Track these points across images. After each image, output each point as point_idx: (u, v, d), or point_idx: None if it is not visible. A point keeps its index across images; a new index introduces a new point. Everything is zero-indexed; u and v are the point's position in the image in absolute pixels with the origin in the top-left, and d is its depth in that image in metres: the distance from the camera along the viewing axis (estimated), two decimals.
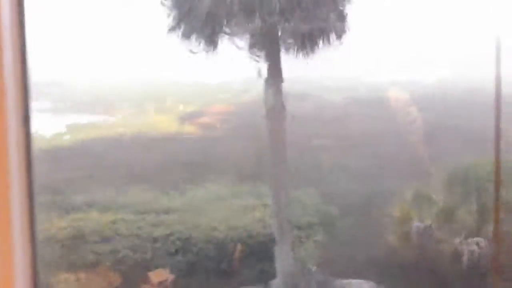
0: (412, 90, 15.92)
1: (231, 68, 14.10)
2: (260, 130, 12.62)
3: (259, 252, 12.14)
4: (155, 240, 12.14)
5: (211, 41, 11.85)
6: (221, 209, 13.08)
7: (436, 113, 14.82)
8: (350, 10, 12.05)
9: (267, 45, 11.80)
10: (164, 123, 15.46)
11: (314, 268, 12.20)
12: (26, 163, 1.92)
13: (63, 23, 12.40)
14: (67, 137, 14.54)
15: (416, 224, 12.39)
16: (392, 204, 13.08)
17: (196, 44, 11.83)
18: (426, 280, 11.58)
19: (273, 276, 11.84)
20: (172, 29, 11.80)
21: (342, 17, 11.98)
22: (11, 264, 1.85)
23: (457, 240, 11.98)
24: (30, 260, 1.97)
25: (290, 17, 11.33)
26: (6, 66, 1.76)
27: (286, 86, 12.08)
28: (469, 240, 11.83)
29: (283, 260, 11.91)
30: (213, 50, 11.90)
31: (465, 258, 11.71)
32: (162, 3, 11.50)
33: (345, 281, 11.89)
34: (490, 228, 11.61)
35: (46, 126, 13.87)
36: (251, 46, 11.85)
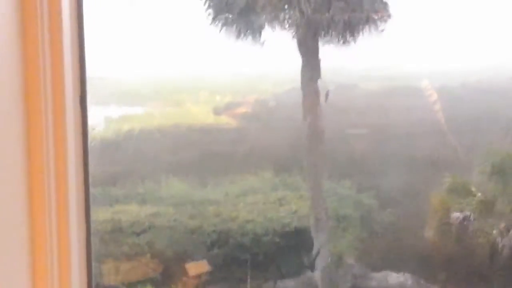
0: (451, 80, 15.75)
1: (269, 59, 14.06)
2: (297, 121, 12.58)
3: (296, 244, 12.13)
4: (191, 232, 12.20)
5: (250, 32, 11.86)
6: (258, 201, 13.08)
7: (475, 102, 14.64)
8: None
9: (306, 36, 11.75)
10: (200, 114, 15.49)
11: (351, 261, 12.15)
12: (83, 156, 1.93)
13: (99, 16, 12.46)
14: (105, 129, 14.65)
15: (455, 214, 12.26)
16: (430, 195, 12.96)
17: (234, 35, 11.85)
18: (464, 272, 11.47)
19: (310, 268, 11.83)
20: (211, 20, 11.83)
21: (381, 6, 11.89)
22: (69, 254, 1.86)
23: (496, 232, 11.84)
24: (85, 250, 1.99)
25: (328, 6, 11.28)
26: (66, 62, 1.77)
27: (323, 76, 12.03)
28: (510, 232, 11.69)
29: (320, 252, 11.89)
30: (251, 40, 11.90)
31: (504, 250, 11.58)
32: None
33: (382, 273, 11.83)
34: None
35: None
36: (291, 37, 11.83)
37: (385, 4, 11.89)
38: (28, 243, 1.79)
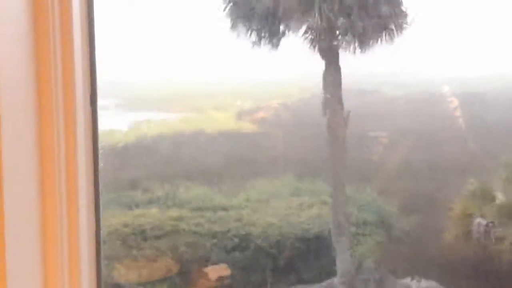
0: (472, 86, 15.65)
1: (289, 64, 14.08)
2: (318, 126, 12.57)
3: (317, 249, 12.12)
4: (213, 236, 12.23)
5: (270, 37, 11.88)
6: (279, 206, 13.08)
7: (496, 109, 14.54)
8: (409, 6, 11.93)
9: (326, 41, 11.76)
10: (222, 120, 15.53)
11: (372, 266, 12.10)
12: (93, 160, 1.95)
13: (122, 21, 12.57)
14: (127, 134, 14.74)
15: (477, 220, 12.17)
16: (452, 201, 12.88)
17: (254, 41, 11.89)
18: (486, 278, 11.37)
19: (332, 273, 11.80)
20: (232, 26, 11.87)
21: (401, 13, 11.87)
22: (78, 255, 1.88)
23: None
24: (94, 252, 2.01)
25: (349, 12, 11.28)
26: (77, 64, 1.80)
27: (344, 81, 12.02)
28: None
29: (341, 257, 11.86)
30: (272, 46, 11.94)
31: None
32: None
33: (403, 280, 11.76)
34: None
35: (107, 123, 14.09)
36: (311, 42, 11.84)
37: (405, 10, 11.86)
38: (40, 242, 1.81)
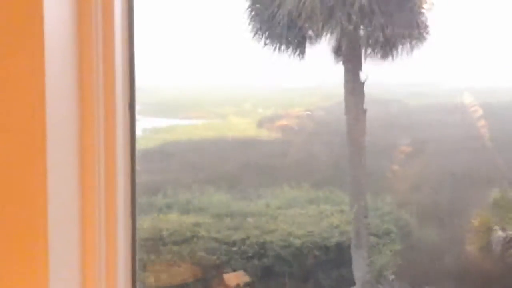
0: (492, 97, 15.59)
1: (311, 72, 14.09)
2: (339, 135, 12.56)
3: (336, 258, 12.08)
4: (232, 243, 12.23)
5: (292, 46, 11.92)
6: (298, 214, 13.07)
7: None
8: (431, 15, 11.92)
9: (348, 50, 11.77)
10: (243, 126, 15.57)
11: (391, 277, 12.05)
12: (131, 164, 1.98)
13: (146, 27, 12.66)
14: (148, 140, 14.82)
15: (498, 233, 12.09)
16: (471, 213, 12.80)
17: (277, 49, 11.93)
18: None
19: (350, 283, 11.76)
20: (255, 34, 11.93)
21: (423, 22, 11.87)
22: (115, 261, 1.91)
23: None
24: (131, 256, 2.04)
25: (371, 21, 11.29)
26: (117, 71, 1.83)
27: (366, 91, 12.01)
28: None
29: (360, 267, 11.83)
30: (294, 54, 11.97)
31: None
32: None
33: None
34: None
35: None
36: (333, 51, 11.86)
37: (426, 20, 11.86)
38: (79, 244, 1.84)
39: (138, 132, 14.70)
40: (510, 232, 11.97)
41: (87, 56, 1.80)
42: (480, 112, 15.15)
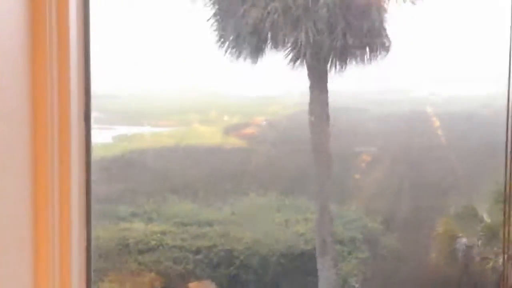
0: (455, 105, 15.79)
1: (276, 80, 14.15)
2: (304, 143, 12.62)
3: (302, 266, 12.13)
4: (197, 252, 12.22)
5: (257, 54, 11.97)
6: (264, 223, 13.09)
7: (482, 128, 14.65)
8: (394, 24, 12.06)
9: (313, 58, 11.85)
10: (208, 134, 15.56)
11: (356, 285, 12.12)
12: (86, 174, 1.97)
13: (108, 34, 12.60)
14: (113, 147, 14.73)
15: (461, 240, 12.23)
16: (436, 220, 12.93)
17: (242, 56, 11.97)
18: None
19: None
20: (219, 41, 11.96)
21: (387, 30, 12.01)
22: (69, 269, 1.90)
23: (501, 259, 11.77)
24: (85, 265, 2.02)
25: (335, 30, 11.38)
26: (72, 76, 1.82)
27: (330, 99, 12.10)
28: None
29: (325, 275, 11.88)
30: (259, 62, 12.02)
31: (510, 279, 11.49)
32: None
33: None
34: None
35: (94, 137, 14.06)
36: (297, 59, 11.93)
37: (389, 28, 12.01)
38: (31, 252, 1.83)
39: (106, 139, 14.64)
40: (474, 240, 12.13)
41: (41, 69, 1.79)
42: (443, 120, 15.33)
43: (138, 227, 12.65)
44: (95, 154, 14.08)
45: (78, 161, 1.91)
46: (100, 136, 14.41)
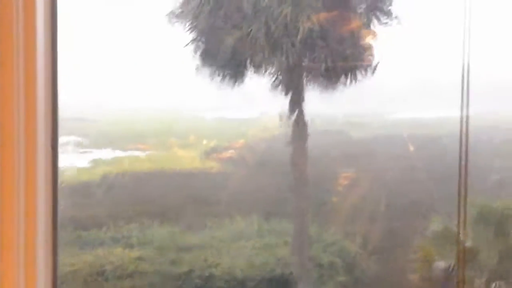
0: (437, 128, 15.90)
1: (255, 103, 14.19)
2: (283, 166, 12.64)
3: None
4: (176, 277, 12.15)
5: (236, 77, 12.01)
6: (243, 247, 13.06)
7: (462, 151, 14.73)
8: (375, 47, 12.17)
9: (292, 81, 11.92)
10: (187, 159, 15.53)
11: None
12: (53, 198, 1.96)
13: (86, 58, 12.60)
14: (91, 172, 14.65)
15: (437, 263, 12.27)
16: (415, 243, 12.97)
17: (221, 80, 12.01)
18: None
19: None
20: (198, 63, 11.99)
21: (366, 53, 12.11)
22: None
23: (478, 282, 11.82)
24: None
25: (314, 53, 11.47)
26: (39, 100, 1.81)
27: (309, 122, 12.15)
28: (493, 284, 11.67)
29: None
30: (238, 85, 12.06)
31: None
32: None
33: None
34: None
35: (71, 161, 14.01)
36: (276, 82, 12.00)
37: (369, 51, 12.11)
38: None
39: (83, 163, 14.58)
40: (451, 262, 12.16)
41: (7, 98, 1.78)
42: (419, 143, 15.44)
43: (116, 252, 12.56)
44: (73, 178, 14.02)
45: (44, 189, 1.89)
46: (79, 160, 14.35)
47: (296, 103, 12.08)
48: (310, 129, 12.18)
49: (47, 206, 1.94)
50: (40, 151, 1.87)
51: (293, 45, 11.29)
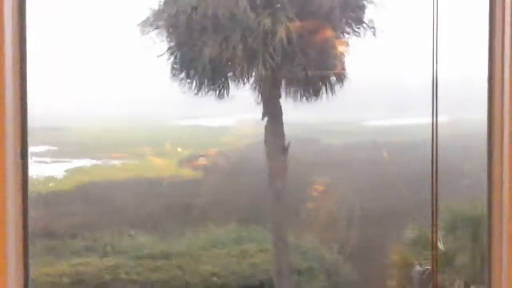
0: (411, 134, 16.03)
1: (231, 112, 14.21)
2: (259, 174, 12.66)
3: None
4: (153, 285, 12.11)
5: (213, 85, 12.03)
6: (220, 255, 13.04)
7: (434, 156, 14.86)
8: (350, 55, 12.28)
9: (269, 89, 11.97)
10: (162, 167, 15.51)
11: None
12: (23, 207, 1.95)
13: (62, 68, 12.55)
14: (66, 181, 14.58)
15: (416, 268, 12.34)
16: (392, 248, 13.04)
17: (197, 88, 12.02)
18: None
19: None
20: (174, 72, 12.00)
21: (343, 62, 12.21)
22: None
23: (456, 286, 11.91)
24: None
25: (292, 62, 11.53)
26: (7, 109, 1.81)
27: (286, 130, 12.20)
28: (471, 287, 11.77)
29: None
30: (214, 93, 12.08)
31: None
32: None
33: None
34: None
35: (45, 170, 13.92)
36: (252, 90, 12.04)
37: (343, 60, 12.21)
38: None
39: (58, 173, 14.49)
40: (427, 268, 12.24)
41: None
42: (394, 150, 15.55)
43: (93, 261, 12.49)
44: (47, 187, 13.93)
45: (14, 198, 1.89)
46: (53, 170, 14.26)
47: (274, 111, 12.13)
48: (288, 137, 12.24)
49: (16, 215, 1.93)
50: (8, 161, 1.87)
51: (270, 54, 11.35)
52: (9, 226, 1.91)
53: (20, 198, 1.95)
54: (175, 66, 12.09)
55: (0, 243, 1.88)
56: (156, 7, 12.03)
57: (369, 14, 12.27)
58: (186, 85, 12.06)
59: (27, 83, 2.02)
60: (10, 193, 1.89)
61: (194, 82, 12.03)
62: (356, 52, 12.39)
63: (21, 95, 1.96)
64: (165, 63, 12.04)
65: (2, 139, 1.85)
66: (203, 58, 11.67)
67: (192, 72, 12.00)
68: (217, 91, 12.09)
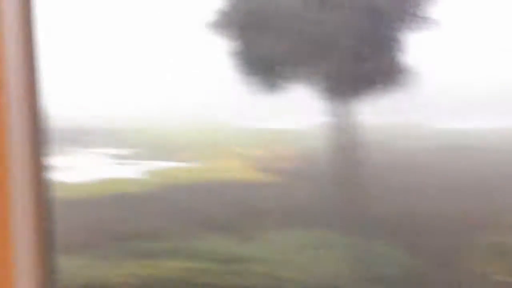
0: (490, 138, 15.52)
1: (299, 113, 14.07)
2: (334, 178, 12.47)
3: None
4: None
5: (279, 85, 11.96)
6: (297, 259, 12.93)
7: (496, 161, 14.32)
8: (424, 54, 11.97)
9: (337, 89, 11.80)
10: (235, 169, 15.53)
11: None
12: (39, 211, 1.88)
13: (130, 70, 12.71)
14: (141, 182, 14.78)
15: (498, 279, 11.88)
16: (475, 258, 12.61)
17: (263, 89, 11.97)
18: None
19: None
20: (236, 72, 11.98)
21: (408, 63, 11.93)
22: None
23: None
24: None
25: (361, 60, 11.33)
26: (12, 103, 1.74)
27: (356, 132, 11.98)
28: None
29: None
30: (283, 94, 12.00)
31: None
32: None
33: None
34: None
35: (123, 172, 14.15)
36: (321, 90, 11.88)
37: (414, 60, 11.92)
38: None
39: (131, 175, 14.69)
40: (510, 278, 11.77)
41: None
42: (479, 153, 15.05)
43: (167, 264, 12.59)
44: (124, 189, 14.14)
45: (27, 200, 1.82)
46: (128, 172, 14.49)
47: (342, 112, 11.95)
48: (356, 140, 12.02)
49: (27, 219, 1.86)
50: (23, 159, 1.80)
51: (339, 51, 11.18)
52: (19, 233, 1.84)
53: (33, 200, 1.88)
54: (239, 64, 12.09)
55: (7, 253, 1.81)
56: (220, 7, 12.00)
57: (437, 9, 11.93)
58: (253, 85, 12.03)
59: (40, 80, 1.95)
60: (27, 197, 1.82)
61: (261, 82, 11.99)
62: (431, 50, 12.07)
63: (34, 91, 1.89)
64: (230, 64, 12.04)
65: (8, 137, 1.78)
66: (266, 56, 11.63)
67: (255, 71, 11.97)
68: (284, 91, 12.01)
